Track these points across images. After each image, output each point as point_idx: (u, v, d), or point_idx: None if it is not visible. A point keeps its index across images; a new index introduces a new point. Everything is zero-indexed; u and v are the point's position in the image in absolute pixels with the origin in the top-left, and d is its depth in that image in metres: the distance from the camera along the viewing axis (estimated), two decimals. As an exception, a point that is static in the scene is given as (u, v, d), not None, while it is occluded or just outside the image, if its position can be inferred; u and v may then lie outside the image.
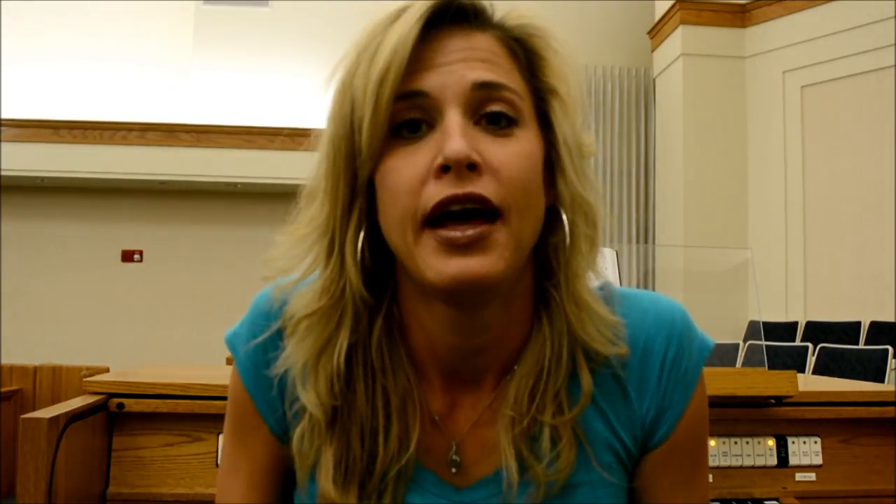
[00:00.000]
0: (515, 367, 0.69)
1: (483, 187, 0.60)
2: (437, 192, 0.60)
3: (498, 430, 0.68)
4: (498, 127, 0.63)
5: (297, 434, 0.70)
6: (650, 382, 0.70)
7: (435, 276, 0.61)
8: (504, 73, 0.64)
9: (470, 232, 0.60)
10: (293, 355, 0.69)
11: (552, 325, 0.68)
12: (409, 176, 0.62)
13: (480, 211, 0.61)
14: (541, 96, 0.67)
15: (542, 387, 0.68)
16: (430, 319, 0.69)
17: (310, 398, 0.68)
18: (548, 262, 0.68)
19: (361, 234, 0.66)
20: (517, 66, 0.66)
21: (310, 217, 0.67)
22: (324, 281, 0.66)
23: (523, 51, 0.67)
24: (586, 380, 0.68)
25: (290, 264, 0.69)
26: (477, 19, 0.66)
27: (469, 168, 0.60)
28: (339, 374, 0.67)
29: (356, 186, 0.65)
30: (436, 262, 0.61)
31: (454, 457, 0.70)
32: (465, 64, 0.63)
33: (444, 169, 0.60)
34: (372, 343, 0.68)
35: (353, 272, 0.65)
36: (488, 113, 0.63)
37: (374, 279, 0.69)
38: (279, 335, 0.71)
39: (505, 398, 0.69)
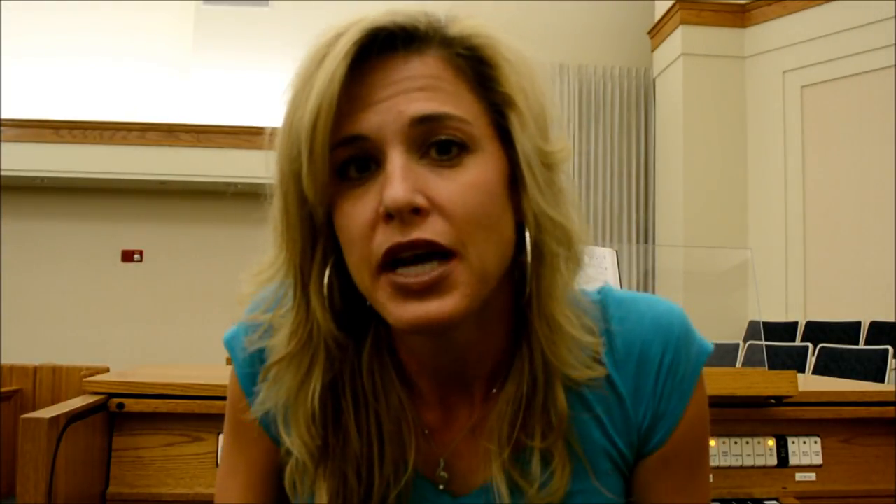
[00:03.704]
0: (495, 391, 0.68)
1: (429, 230, 0.58)
2: (385, 239, 0.58)
3: (485, 457, 0.67)
4: (447, 157, 0.60)
5: (287, 474, 0.69)
6: (646, 389, 0.68)
7: (394, 321, 0.60)
8: (448, 99, 0.60)
9: (424, 278, 0.58)
10: (267, 401, 0.68)
11: (531, 347, 0.66)
12: (360, 222, 0.60)
13: (433, 254, 0.58)
14: (498, 110, 0.62)
15: (522, 414, 0.66)
16: (411, 339, 0.68)
17: (294, 443, 0.66)
18: (523, 279, 0.65)
19: (328, 272, 0.63)
20: (465, 84, 0.62)
21: (271, 261, 0.66)
22: (291, 324, 0.64)
23: (472, 64, 0.62)
24: (561, 404, 0.66)
25: (261, 308, 0.69)
26: (412, 43, 0.61)
27: (414, 212, 0.58)
28: (315, 417, 0.65)
29: (315, 227, 0.62)
30: (393, 308, 0.59)
31: (441, 473, 0.69)
32: (403, 97, 0.59)
33: (389, 216, 0.58)
34: (363, 368, 0.67)
35: (320, 313, 0.63)
36: (436, 143, 0.60)
37: (357, 308, 0.66)
38: None
39: (488, 427, 0.67)
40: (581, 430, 0.68)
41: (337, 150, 0.60)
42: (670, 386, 0.69)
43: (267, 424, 0.73)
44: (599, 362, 0.68)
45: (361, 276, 0.61)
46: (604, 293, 0.71)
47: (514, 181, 0.63)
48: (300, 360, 0.65)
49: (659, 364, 0.68)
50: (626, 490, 0.72)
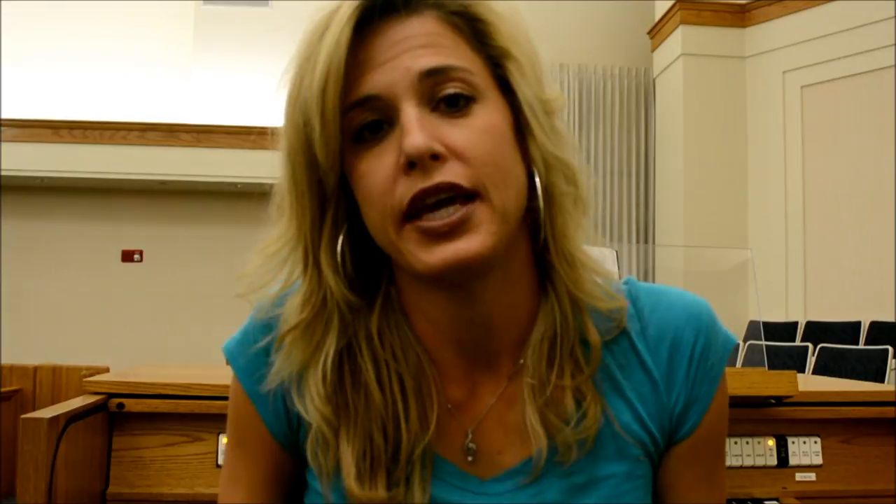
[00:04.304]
0: (522, 360, 0.69)
1: (451, 174, 0.60)
2: (409, 188, 0.60)
3: (521, 403, 0.68)
4: (456, 108, 0.62)
5: (309, 448, 0.69)
6: (679, 374, 0.70)
7: (423, 267, 0.61)
8: (450, 53, 0.63)
9: (449, 219, 0.60)
10: (282, 370, 0.68)
11: (556, 290, 0.68)
12: (380, 178, 0.62)
13: (456, 197, 0.61)
14: (496, 62, 0.65)
15: (557, 351, 0.68)
16: (431, 308, 0.69)
17: (310, 411, 0.67)
18: (537, 228, 0.68)
19: (341, 239, 0.65)
20: (463, 39, 0.65)
21: (279, 233, 0.67)
22: (303, 293, 0.66)
23: (466, 21, 0.65)
24: (593, 335, 0.68)
25: (263, 280, 0.69)
26: (409, 4, 0.64)
27: (433, 159, 0.60)
28: (327, 381, 0.66)
29: (325, 195, 0.64)
30: (421, 254, 0.61)
31: (470, 444, 0.69)
32: (408, 55, 0.62)
33: (411, 165, 0.60)
34: (373, 331, 0.68)
35: (332, 279, 0.65)
36: (444, 96, 0.62)
37: (368, 274, 0.69)
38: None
39: (524, 370, 0.69)
40: (614, 415, 0.69)
41: (349, 114, 0.62)
42: (702, 371, 0.71)
43: (271, 421, 0.73)
44: (619, 293, 0.71)
45: (385, 230, 0.63)
46: (630, 283, 0.74)
47: (519, 130, 0.66)
48: (314, 327, 0.67)
49: (692, 349, 0.71)
50: (652, 482, 0.72)
